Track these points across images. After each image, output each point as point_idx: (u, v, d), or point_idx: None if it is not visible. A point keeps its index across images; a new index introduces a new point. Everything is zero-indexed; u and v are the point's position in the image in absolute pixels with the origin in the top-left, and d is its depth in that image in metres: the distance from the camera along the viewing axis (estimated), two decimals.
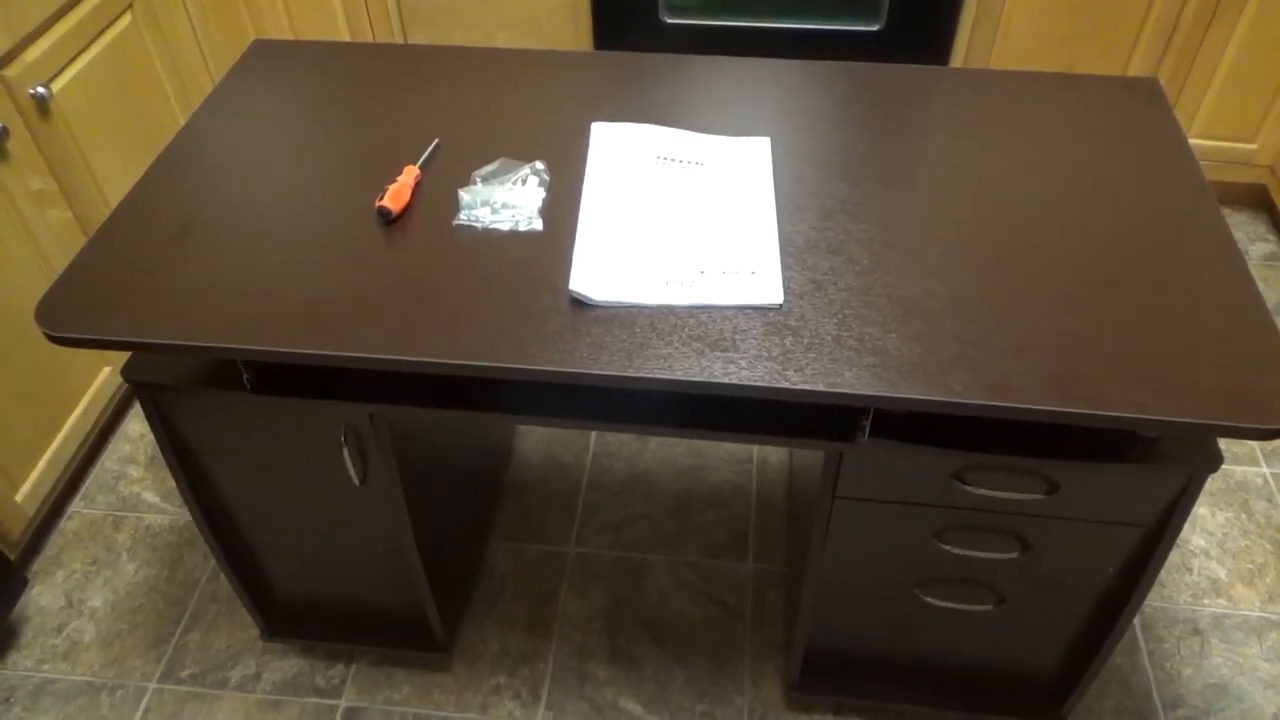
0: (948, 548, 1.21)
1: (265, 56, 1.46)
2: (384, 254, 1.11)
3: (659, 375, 0.97)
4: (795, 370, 0.97)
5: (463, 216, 1.15)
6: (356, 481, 1.27)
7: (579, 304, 1.05)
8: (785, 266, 1.09)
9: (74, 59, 1.71)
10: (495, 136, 1.29)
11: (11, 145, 1.58)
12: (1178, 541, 1.78)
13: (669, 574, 1.75)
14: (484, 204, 1.15)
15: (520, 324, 1.03)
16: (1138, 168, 1.23)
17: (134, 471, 1.93)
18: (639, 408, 1.11)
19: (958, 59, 2.20)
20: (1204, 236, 1.13)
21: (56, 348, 1.72)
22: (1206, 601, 1.69)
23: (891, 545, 1.23)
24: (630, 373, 0.97)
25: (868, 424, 1.07)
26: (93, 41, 1.76)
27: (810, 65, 1.42)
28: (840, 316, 1.03)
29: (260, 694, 1.59)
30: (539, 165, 1.21)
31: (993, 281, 1.08)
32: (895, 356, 0.99)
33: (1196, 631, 1.65)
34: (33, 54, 1.61)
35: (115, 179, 1.85)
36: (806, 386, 0.96)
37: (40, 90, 1.60)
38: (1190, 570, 1.74)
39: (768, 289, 1.06)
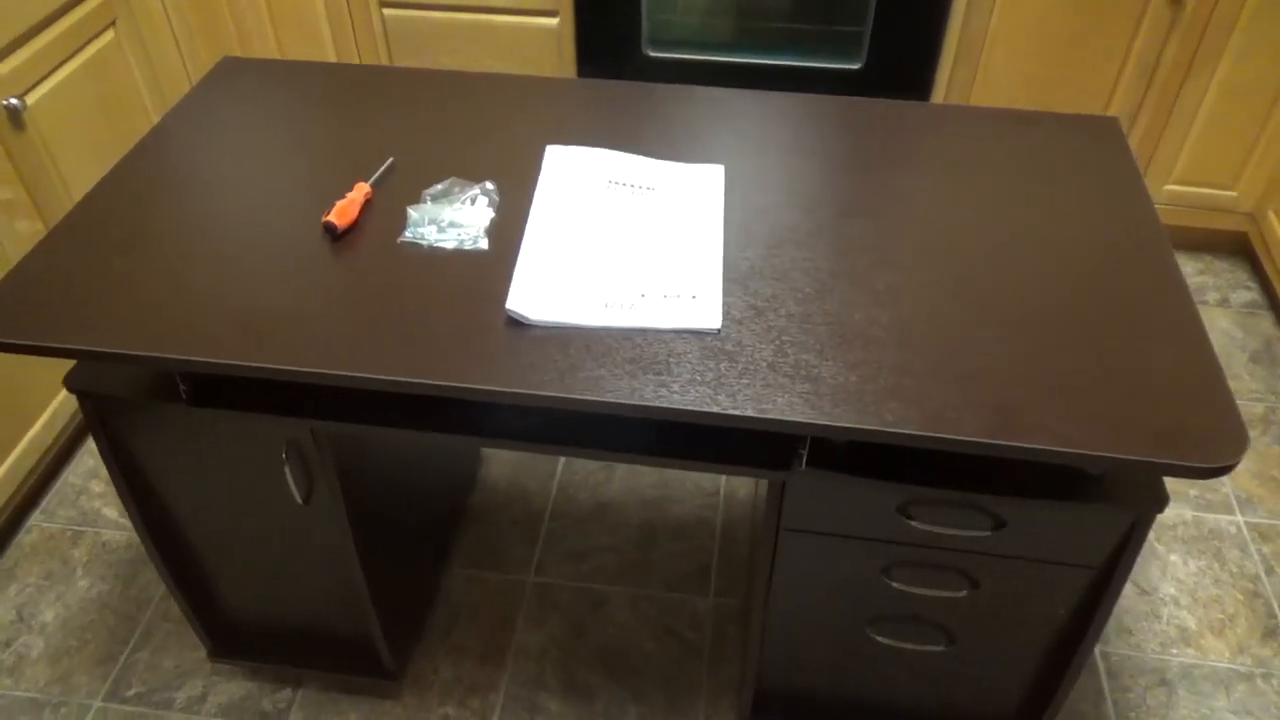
0: (896, 585, 1.19)
1: (234, 72, 1.47)
2: (327, 270, 1.11)
3: (589, 397, 0.96)
4: (727, 395, 0.96)
5: (408, 234, 1.14)
6: (300, 500, 1.25)
7: (517, 324, 1.04)
8: (727, 292, 1.08)
9: (52, 72, 1.73)
10: (450, 157, 1.29)
11: None
12: (1147, 589, 1.75)
13: (629, 606, 1.72)
14: (431, 222, 1.15)
15: (457, 342, 1.02)
16: (1093, 204, 1.23)
17: (96, 486, 1.92)
18: (578, 429, 1.10)
19: (938, 100, 2.21)
20: (1153, 273, 1.12)
21: (18, 359, 1.71)
22: (1175, 651, 1.66)
23: (840, 580, 1.21)
24: (561, 394, 0.96)
25: (804, 453, 1.05)
26: (72, 56, 1.78)
27: (775, 96, 1.42)
28: (778, 343, 1.02)
29: (205, 716, 1.56)
30: (489, 186, 1.20)
31: (938, 313, 1.07)
32: (830, 384, 0.97)
33: (1164, 682, 1.62)
34: (7, 66, 1.62)
35: None
36: (736, 411, 0.94)
37: (13, 102, 1.61)
38: (1159, 618, 1.71)
39: (706, 313, 1.05)
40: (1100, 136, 1.35)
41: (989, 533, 1.10)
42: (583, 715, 1.57)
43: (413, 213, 1.16)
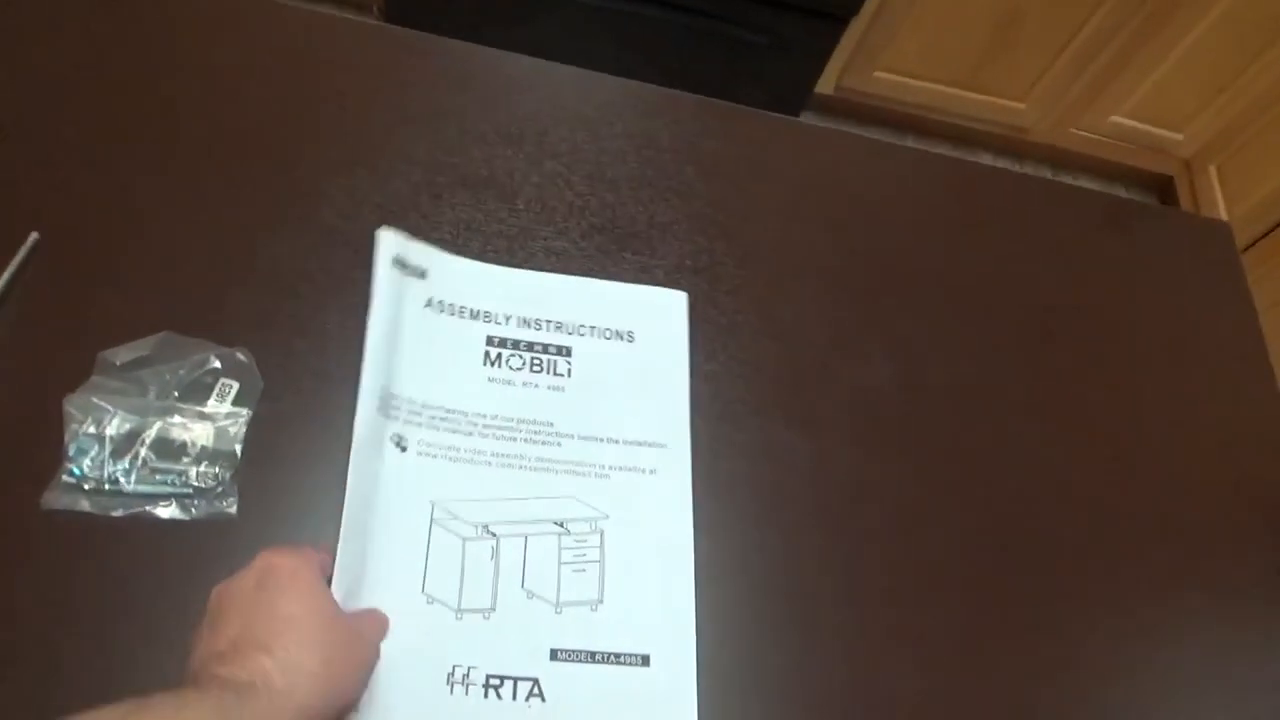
0: None
1: None
2: None
3: None
4: None
5: (69, 477, 0.56)
6: None
7: None
8: (701, 631, 0.60)
9: None
10: (169, 236, 0.66)
11: None
12: None
13: None
14: (116, 450, 0.57)
15: None
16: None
17: None
18: None
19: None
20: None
21: None
22: None
23: None
24: None
25: None
26: None
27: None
28: None
29: None
30: (240, 356, 0.61)
31: None
32: None
33: None
34: None
35: None
36: None
37: None
38: None
39: (671, 698, 0.58)
40: (1200, 247, 0.91)
41: None
42: None
43: (76, 415, 0.57)
